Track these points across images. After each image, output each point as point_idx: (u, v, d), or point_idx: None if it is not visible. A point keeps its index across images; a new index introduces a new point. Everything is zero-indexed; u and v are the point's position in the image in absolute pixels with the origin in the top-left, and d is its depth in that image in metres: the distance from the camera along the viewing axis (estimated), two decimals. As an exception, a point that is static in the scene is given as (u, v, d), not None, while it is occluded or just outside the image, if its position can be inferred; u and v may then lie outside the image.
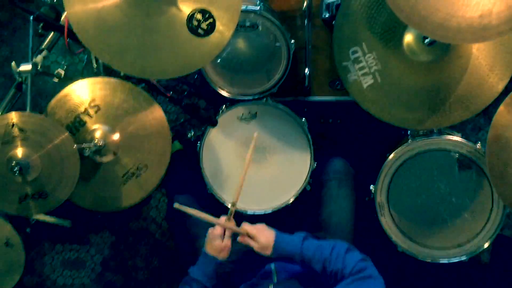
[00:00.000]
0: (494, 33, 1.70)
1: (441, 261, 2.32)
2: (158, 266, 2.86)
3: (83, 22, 1.78)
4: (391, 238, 2.30)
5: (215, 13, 1.77)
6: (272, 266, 1.99)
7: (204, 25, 1.78)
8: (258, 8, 2.11)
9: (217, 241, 1.90)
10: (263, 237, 1.90)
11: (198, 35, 1.79)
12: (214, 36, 1.80)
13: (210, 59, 1.94)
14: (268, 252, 1.89)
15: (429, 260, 2.32)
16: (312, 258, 1.85)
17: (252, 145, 2.00)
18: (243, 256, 2.04)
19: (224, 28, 1.80)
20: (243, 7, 2.09)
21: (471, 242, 2.29)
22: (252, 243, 1.91)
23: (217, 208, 2.33)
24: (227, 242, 1.91)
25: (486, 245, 2.28)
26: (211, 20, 1.77)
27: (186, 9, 1.78)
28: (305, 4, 2.31)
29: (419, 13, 1.70)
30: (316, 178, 2.34)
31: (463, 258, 2.30)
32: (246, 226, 1.94)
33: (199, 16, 1.77)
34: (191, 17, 1.77)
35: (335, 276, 1.82)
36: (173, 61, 1.85)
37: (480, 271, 2.70)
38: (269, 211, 2.33)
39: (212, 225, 1.96)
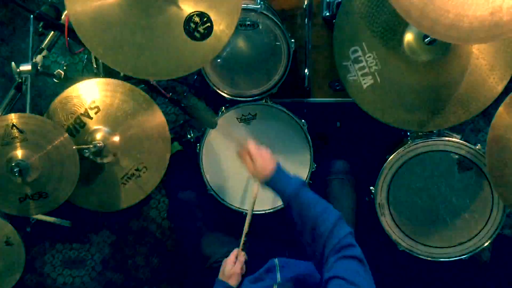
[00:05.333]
0: (507, 29, 1.64)
1: (441, 260, 2.32)
2: (158, 265, 2.86)
3: (81, 15, 1.74)
4: (391, 237, 2.31)
5: (213, 17, 1.73)
6: (276, 261, 1.98)
7: (201, 29, 1.75)
8: (258, 6, 2.10)
9: (228, 267, 1.95)
10: (262, 161, 1.87)
11: (194, 38, 1.76)
12: (210, 40, 1.76)
13: (204, 63, 1.90)
14: (260, 178, 1.87)
15: (429, 259, 2.33)
16: (302, 209, 1.75)
17: (253, 197, 2.04)
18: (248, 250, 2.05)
19: (221, 34, 1.75)
20: (244, 6, 2.08)
21: (471, 241, 2.30)
22: (248, 163, 1.90)
23: (217, 208, 2.33)
24: (237, 268, 1.94)
25: (486, 244, 2.28)
26: (208, 24, 1.74)
27: (184, 10, 1.74)
28: (305, 2, 2.31)
29: (429, 16, 1.65)
30: (318, 178, 2.34)
31: (464, 256, 2.31)
32: (251, 145, 1.92)
33: (197, 19, 1.73)
34: (188, 19, 1.74)
35: (321, 255, 1.67)
36: (166, 62, 1.80)
37: (480, 270, 2.71)
38: (270, 211, 2.33)
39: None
